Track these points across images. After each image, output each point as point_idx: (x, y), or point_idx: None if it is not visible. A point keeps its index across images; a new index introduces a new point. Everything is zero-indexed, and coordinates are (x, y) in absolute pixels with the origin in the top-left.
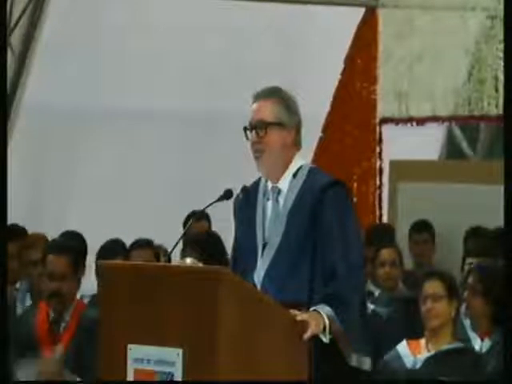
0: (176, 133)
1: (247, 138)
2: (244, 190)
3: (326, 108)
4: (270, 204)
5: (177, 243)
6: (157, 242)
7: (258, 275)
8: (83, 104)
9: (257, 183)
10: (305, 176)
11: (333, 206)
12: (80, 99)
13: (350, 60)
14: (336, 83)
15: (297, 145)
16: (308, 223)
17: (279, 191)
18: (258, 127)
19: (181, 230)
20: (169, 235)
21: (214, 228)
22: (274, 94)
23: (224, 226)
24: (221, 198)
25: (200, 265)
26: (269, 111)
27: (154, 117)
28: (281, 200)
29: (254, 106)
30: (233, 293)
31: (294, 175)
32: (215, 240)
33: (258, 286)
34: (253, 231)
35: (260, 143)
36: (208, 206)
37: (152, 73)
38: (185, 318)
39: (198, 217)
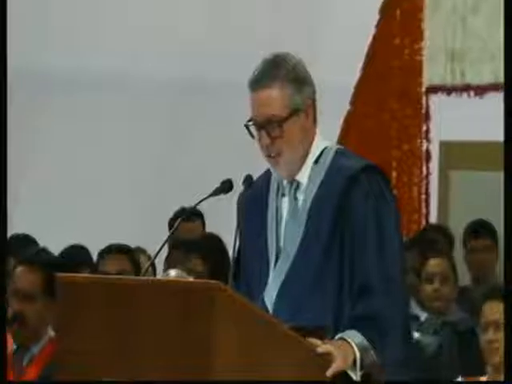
0: (159, 106)
1: (252, 137)
2: (248, 180)
3: (356, 73)
4: (286, 201)
5: (161, 247)
6: (137, 245)
7: (270, 293)
8: (30, 67)
9: (268, 174)
10: (329, 161)
11: (365, 199)
12: (24, 60)
13: (387, 10)
14: (369, 40)
15: (315, 120)
16: (333, 222)
17: (298, 185)
18: (268, 126)
19: (166, 232)
20: (152, 238)
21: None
22: (277, 74)
23: (221, 227)
24: (217, 192)
25: (190, 279)
26: (278, 102)
27: (129, 84)
28: (300, 196)
29: (256, 97)
30: (232, 315)
31: (316, 161)
32: (220, 245)
33: (269, 308)
34: (263, 237)
35: (275, 144)
36: (200, 202)
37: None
38: (170, 345)
39: (188, 215)
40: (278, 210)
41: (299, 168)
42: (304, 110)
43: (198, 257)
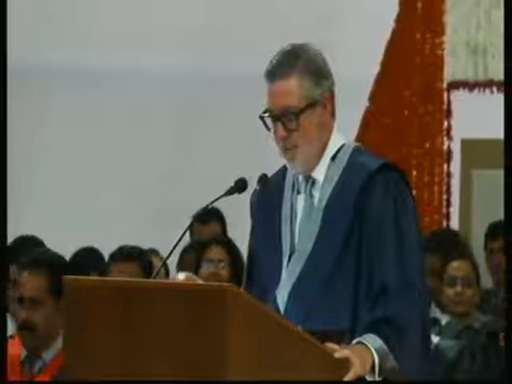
0: (170, 100)
1: (268, 129)
2: (263, 179)
3: (375, 69)
4: (301, 199)
5: (173, 248)
6: (150, 247)
7: (282, 292)
8: (35, 60)
9: (283, 171)
10: (346, 159)
11: (383, 198)
12: (24, 59)
13: (407, 3)
14: (388, 34)
15: (333, 114)
16: (350, 222)
17: (314, 182)
18: (285, 118)
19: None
20: (166, 239)
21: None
22: (295, 65)
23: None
24: (231, 191)
25: (199, 281)
26: (295, 92)
27: (132, 84)
28: (316, 193)
29: (272, 88)
30: (246, 318)
31: (333, 158)
32: (237, 254)
33: (281, 307)
34: (276, 236)
35: (291, 138)
36: (213, 202)
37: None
38: (182, 349)
39: (200, 217)
40: (292, 207)
41: (315, 164)
42: (322, 102)
43: (220, 245)
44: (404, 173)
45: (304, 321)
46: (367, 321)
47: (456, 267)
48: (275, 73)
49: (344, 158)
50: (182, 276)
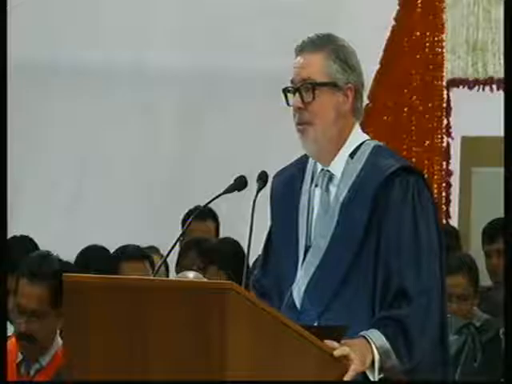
0: (174, 97)
1: (288, 103)
2: (262, 177)
3: (375, 66)
4: (318, 193)
5: (173, 246)
6: (148, 244)
7: (298, 289)
8: (39, 58)
9: (303, 163)
10: (366, 157)
11: (402, 201)
12: (36, 52)
13: (407, 0)
14: (388, 32)
15: (356, 113)
16: (367, 221)
17: (331, 177)
18: (303, 89)
19: (179, 230)
20: (164, 237)
21: (222, 231)
22: (325, 44)
23: (235, 229)
24: (231, 189)
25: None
26: (318, 67)
27: (143, 76)
28: (332, 188)
29: (298, 60)
30: (245, 316)
31: (352, 155)
32: (242, 254)
33: (297, 303)
34: (293, 228)
35: (306, 111)
36: (213, 200)
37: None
38: (181, 346)
39: (200, 214)
40: (309, 199)
41: (332, 157)
42: (343, 89)
43: (217, 267)
44: (423, 175)
45: (320, 316)
46: (377, 317)
47: (452, 284)
48: (305, 47)
49: (363, 156)
50: (191, 275)
